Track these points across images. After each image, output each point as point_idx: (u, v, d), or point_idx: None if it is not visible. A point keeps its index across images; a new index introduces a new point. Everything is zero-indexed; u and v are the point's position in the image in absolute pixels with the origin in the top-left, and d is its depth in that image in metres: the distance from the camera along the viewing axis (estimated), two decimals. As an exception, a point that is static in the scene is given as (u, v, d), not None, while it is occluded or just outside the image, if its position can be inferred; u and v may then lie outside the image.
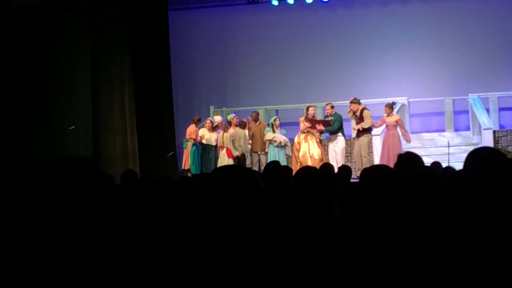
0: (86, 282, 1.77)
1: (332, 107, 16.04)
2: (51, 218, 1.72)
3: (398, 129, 15.70)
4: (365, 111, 15.72)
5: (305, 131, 15.84)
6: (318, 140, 15.96)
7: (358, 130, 15.59)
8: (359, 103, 15.86)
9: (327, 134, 16.19)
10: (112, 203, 1.95)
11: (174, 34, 18.65)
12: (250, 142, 16.67)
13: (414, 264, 2.89)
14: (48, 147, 15.26)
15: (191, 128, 16.68)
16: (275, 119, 16.67)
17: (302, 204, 3.79)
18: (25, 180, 1.67)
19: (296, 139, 16.11)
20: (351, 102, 15.84)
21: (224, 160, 16.08)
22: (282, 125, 17.01)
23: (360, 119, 15.61)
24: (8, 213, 1.59)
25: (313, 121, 15.86)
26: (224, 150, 16.22)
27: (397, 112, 17.88)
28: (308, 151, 15.75)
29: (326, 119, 15.97)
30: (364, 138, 15.66)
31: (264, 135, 16.60)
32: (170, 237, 3.37)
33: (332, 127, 15.73)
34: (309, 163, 14.98)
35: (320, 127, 15.75)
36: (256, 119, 16.93)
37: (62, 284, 1.70)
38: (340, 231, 3.38)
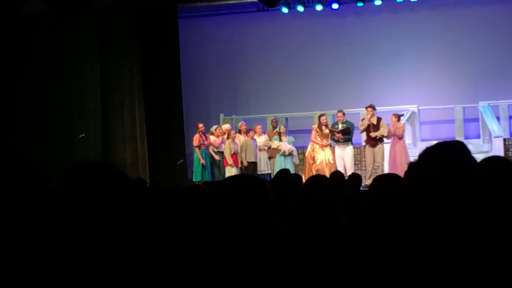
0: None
1: (344, 114, 16.07)
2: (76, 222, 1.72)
3: (404, 138, 15.79)
4: (382, 120, 15.77)
5: (317, 142, 15.94)
6: (330, 146, 16.04)
7: (375, 138, 15.60)
8: (375, 109, 15.91)
9: (334, 142, 16.16)
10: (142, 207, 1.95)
11: (184, 41, 18.68)
12: (265, 149, 16.66)
13: (422, 272, 2.88)
14: (58, 154, 15.31)
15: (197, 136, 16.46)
16: (280, 127, 16.70)
17: (310, 212, 3.78)
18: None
19: (309, 148, 16.14)
20: (368, 107, 15.84)
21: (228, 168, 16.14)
22: (292, 132, 17.01)
23: (376, 127, 15.63)
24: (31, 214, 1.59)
25: (332, 132, 15.88)
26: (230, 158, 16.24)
27: (408, 120, 17.86)
28: (325, 158, 15.82)
29: (336, 126, 16.00)
30: (380, 146, 15.73)
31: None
32: (178, 245, 3.37)
33: (351, 134, 15.79)
34: (326, 170, 15.06)
35: (339, 135, 15.79)
36: (275, 127, 16.95)
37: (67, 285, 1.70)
38: (348, 240, 3.37)
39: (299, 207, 3.89)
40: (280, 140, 16.39)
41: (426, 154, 2.94)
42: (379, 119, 15.79)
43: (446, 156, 2.82)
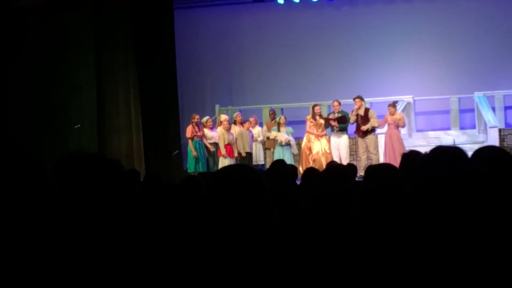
0: (92, 282, 1.76)
1: (339, 103, 16.04)
2: (66, 216, 1.71)
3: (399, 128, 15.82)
4: (370, 111, 15.75)
5: (312, 132, 15.92)
6: (326, 136, 16.02)
7: (367, 130, 15.59)
8: (363, 100, 15.90)
9: (330, 132, 16.16)
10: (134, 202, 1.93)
11: (179, 33, 18.65)
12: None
13: (417, 263, 2.89)
14: (53, 146, 15.27)
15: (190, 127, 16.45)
16: (280, 118, 16.70)
17: (323, 204, 3.76)
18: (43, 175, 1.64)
19: (305, 139, 16.12)
20: (356, 98, 15.83)
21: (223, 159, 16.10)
22: (287, 123, 16.98)
23: (364, 118, 15.61)
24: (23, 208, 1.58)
25: (327, 120, 15.87)
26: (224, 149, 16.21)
27: (403, 110, 17.86)
28: (321, 148, 15.81)
29: (330, 115, 16.00)
30: (371, 137, 15.71)
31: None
32: (173, 237, 3.36)
33: (346, 123, 15.76)
34: (323, 160, 15.10)
35: (335, 123, 15.75)
36: (273, 118, 16.98)
37: (65, 283, 1.69)
38: (350, 230, 3.38)
39: (314, 198, 3.87)
40: (279, 130, 16.39)
41: (428, 158, 2.97)
42: (367, 110, 15.77)
43: (449, 159, 2.85)
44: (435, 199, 2.79)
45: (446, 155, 2.94)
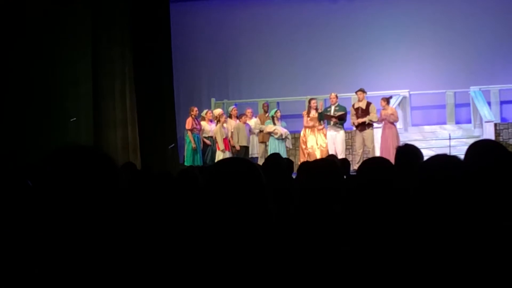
0: (86, 281, 1.76)
1: (336, 96, 16.00)
2: (56, 214, 1.70)
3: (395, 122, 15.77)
4: (371, 105, 15.71)
5: (309, 125, 15.92)
6: (324, 131, 16.00)
7: (363, 123, 15.56)
8: (365, 92, 15.87)
9: (326, 125, 16.15)
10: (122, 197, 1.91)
11: (175, 26, 18.62)
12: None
13: (411, 259, 2.89)
14: (49, 139, 15.25)
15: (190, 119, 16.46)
16: (276, 111, 16.65)
17: (311, 198, 3.76)
18: (27, 173, 1.63)
19: (302, 132, 16.13)
20: (358, 91, 15.80)
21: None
22: (283, 117, 16.99)
23: (365, 112, 15.59)
24: (11, 209, 1.57)
25: (327, 117, 15.86)
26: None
27: (399, 104, 17.86)
28: (316, 142, 15.81)
29: (329, 109, 15.97)
30: (369, 131, 15.68)
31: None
32: (168, 232, 3.36)
33: (345, 120, 15.77)
34: (318, 155, 15.11)
35: (335, 120, 15.75)
36: (266, 111, 16.98)
37: (62, 283, 1.69)
38: (341, 225, 3.38)
39: (299, 192, 3.87)
40: (274, 124, 16.36)
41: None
42: (368, 104, 15.75)
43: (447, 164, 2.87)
44: (431, 196, 2.79)
45: (444, 160, 2.95)
